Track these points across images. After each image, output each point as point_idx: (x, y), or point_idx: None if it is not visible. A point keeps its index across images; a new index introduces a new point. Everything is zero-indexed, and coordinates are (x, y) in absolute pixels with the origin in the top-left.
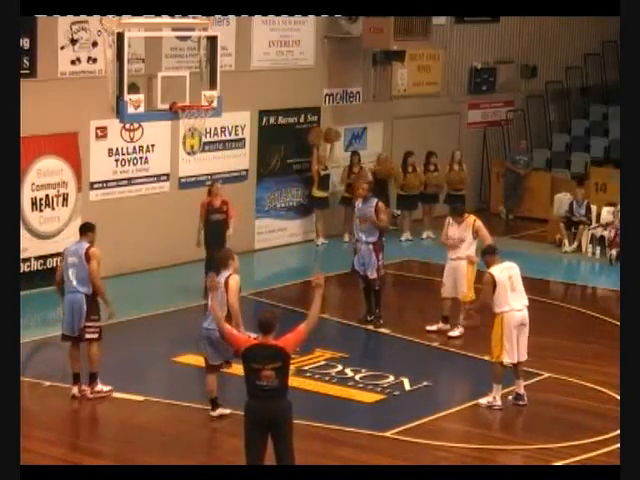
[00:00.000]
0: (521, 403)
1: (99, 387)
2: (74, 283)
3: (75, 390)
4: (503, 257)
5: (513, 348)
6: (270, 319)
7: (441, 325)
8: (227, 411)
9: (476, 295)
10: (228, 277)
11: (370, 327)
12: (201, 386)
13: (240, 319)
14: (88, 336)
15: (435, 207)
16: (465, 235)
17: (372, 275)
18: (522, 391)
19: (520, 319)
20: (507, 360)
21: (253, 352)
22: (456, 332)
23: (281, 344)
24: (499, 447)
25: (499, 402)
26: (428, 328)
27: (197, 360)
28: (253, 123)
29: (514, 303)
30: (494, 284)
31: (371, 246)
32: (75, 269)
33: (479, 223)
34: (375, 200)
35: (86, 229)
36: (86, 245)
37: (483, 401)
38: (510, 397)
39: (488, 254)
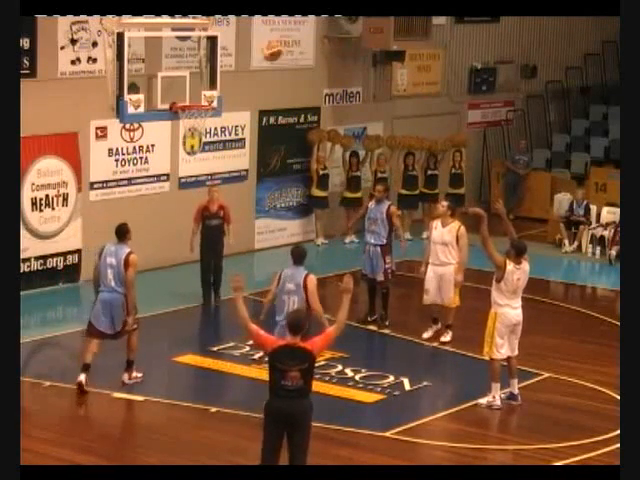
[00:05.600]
0: (514, 403)
1: (134, 374)
2: (112, 284)
3: (82, 377)
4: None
5: (503, 344)
6: (300, 320)
7: (434, 328)
8: None
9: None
10: (306, 278)
11: (370, 327)
12: (201, 386)
13: (323, 318)
14: (128, 328)
15: (435, 207)
16: (449, 240)
17: (379, 278)
18: (516, 391)
19: (517, 318)
20: (497, 355)
21: (281, 353)
22: (447, 337)
23: (309, 346)
24: (499, 447)
25: (498, 402)
26: (424, 336)
27: (197, 360)
28: (253, 123)
29: (511, 302)
30: (503, 269)
31: (379, 249)
32: (113, 270)
33: (463, 230)
34: (388, 203)
35: (125, 231)
36: (127, 250)
37: (483, 401)
38: (503, 396)
39: (514, 253)
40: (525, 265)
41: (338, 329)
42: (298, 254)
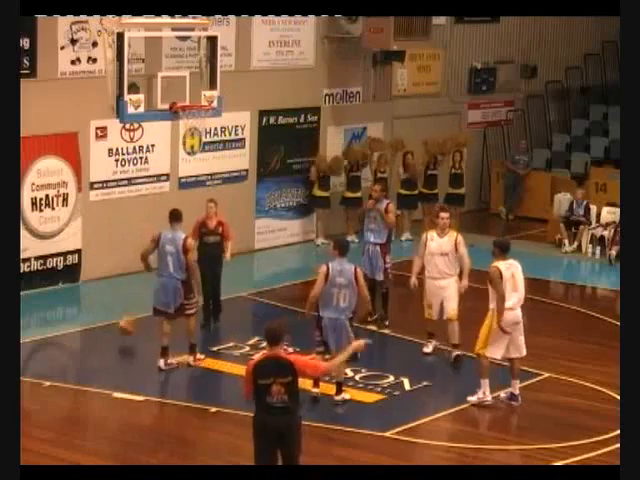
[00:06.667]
0: (514, 403)
1: (199, 355)
2: (171, 270)
3: (161, 363)
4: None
5: (499, 345)
6: (277, 330)
7: (433, 342)
8: (347, 396)
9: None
10: (356, 271)
11: (371, 327)
12: (201, 386)
13: (368, 304)
14: (188, 312)
15: (435, 207)
16: (449, 249)
17: (379, 277)
18: (517, 391)
19: (514, 318)
20: (489, 355)
21: (262, 367)
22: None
23: (291, 359)
24: (499, 447)
25: (489, 397)
26: (425, 350)
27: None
28: (253, 123)
29: (510, 302)
30: (501, 279)
31: (378, 248)
32: (172, 258)
33: (461, 238)
34: (387, 202)
35: (179, 215)
36: (182, 236)
37: (473, 398)
38: (503, 395)
39: (499, 251)
40: (512, 260)
41: (328, 370)
42: (345, 246)
